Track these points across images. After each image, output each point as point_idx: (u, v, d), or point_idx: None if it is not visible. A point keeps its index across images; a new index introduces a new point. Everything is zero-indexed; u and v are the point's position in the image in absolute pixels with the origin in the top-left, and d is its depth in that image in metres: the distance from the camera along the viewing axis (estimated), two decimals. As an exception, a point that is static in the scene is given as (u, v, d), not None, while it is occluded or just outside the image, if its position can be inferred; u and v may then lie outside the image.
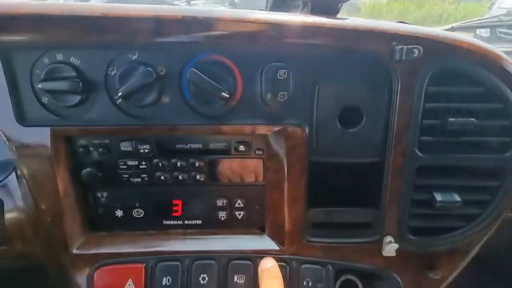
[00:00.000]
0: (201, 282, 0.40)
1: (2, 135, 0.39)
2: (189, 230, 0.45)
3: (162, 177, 0.42)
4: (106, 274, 0.41)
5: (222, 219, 0.45)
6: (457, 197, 0.39)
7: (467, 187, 0.40)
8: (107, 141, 0.40)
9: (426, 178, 0.40)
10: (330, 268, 0.42)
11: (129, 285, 0.40)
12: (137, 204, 0.44)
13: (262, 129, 0.38)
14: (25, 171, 0.40)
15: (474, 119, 0.36)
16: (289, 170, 0.39)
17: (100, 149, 0.40)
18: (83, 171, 0.40)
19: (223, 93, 0.35)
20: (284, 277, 0.41)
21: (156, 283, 0.40)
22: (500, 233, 0.44)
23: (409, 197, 0.40)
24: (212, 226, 0.45)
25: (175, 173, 0.42)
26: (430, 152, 0.39)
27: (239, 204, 0.45)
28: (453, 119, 0.36)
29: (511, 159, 0.39)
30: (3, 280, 0.47)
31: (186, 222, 0.45)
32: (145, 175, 0.42)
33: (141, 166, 0.42)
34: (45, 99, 0.37)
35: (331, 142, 0.38)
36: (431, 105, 0.37)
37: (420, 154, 0.38)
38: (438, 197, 0.39)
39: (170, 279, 0.40)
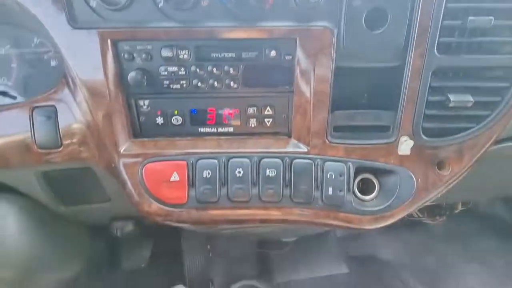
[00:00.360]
0: (237, 175, 0.46)
1: (54, 38, 0.43)
2: (223, 137, 0.50)
3: (199, 84, 0.46)
4: (153, 169, 0.46)
5: (253, 126, 0.50)
6: (469, 97, 0.43)
7: (478, 89, 0.44)
8: (149, 47, 0.44)
9: (441, 80, 0.44)
10: (351, 165, 0.47)
11: (175, 176, 0.46)
12: (176, 112, 0.49)
13: (293, 31, 0.42)
14: (76, 74, 0.44)
15: (492, 17, 0.39)
16: (316, 71, 0.43)
17: (143, 55, 0.44)
18: (129, 73, 0.43)
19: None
20: (310, 172, 0.46)
21: (198, 175, 0.46)
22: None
23: (425, 98, 0.44)
24: (243, 133, 0.50)
25: (211, 80, 0.46)
26: (448, 53, 0.42)
27: (268, 111, 0.49)
28: (473, 17, 0.39)
29: (522, 60, 0.42)
30: (56, 180, 0.53)
31: (219, 129, 0.50)
32: (184, 82, 0.46)
33: (180, 72, 0.46)
34: (93, 3, 0.40)
35: (357, 44, 0.42)
36: (452, 5, 0.40)
37: (438, 55, 0.42)
38: (452, 97, 0.43)
39: (209, 172, 0.46)
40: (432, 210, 1.33)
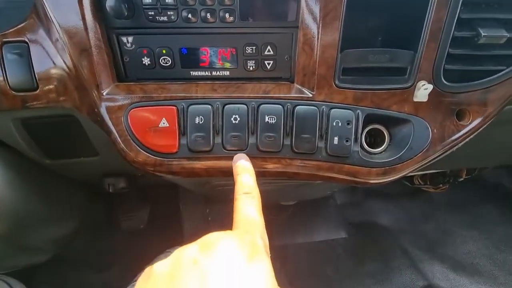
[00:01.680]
0: (233, 121, 0.41)
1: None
2: (218, 82, 0.45)
3: (190, 16, 0.40)
4: (140, 114, 0.42)
5: (251, 68, 0.44)
6: (504, 32, 0.37)
7: (515, 22, 0.38)
8: (129, -34, 0.37)
9: (472, 11, 0.37)
10: (360, 112, 0.42)
11: (163, 123, 0.42)
12: (164, 51, 0.43)
13: None
14: (47, 6, 0.38)
15: None
16: (326, 1, 0.37)
17: (122, -23, 0.38)
18: (107, 1, 0.37)
19: None
20: (315, 119, 0.42)
21: (189, 122, 0.41)
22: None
23: (450, 34, 0.38)
24: (240, 77, 0.45)
25: (203, 12, 0.40)
26: (484, -26, 0.35)
27: (268, 51, 0.43)
28: None
29: None
30: (37, 130, 0.49)
31: (214, 73, 0.45)
32: (171, 13, 0.40)
33: (167, 0, 0.39)
34: None
35: (376, -38, 0.35)
36: None
37: (473, -24, 0.35)
38: (483, 31, 0.37)
39: (202, 118, 0.41)
40: (436, 178, 1.31)
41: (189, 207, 1.11)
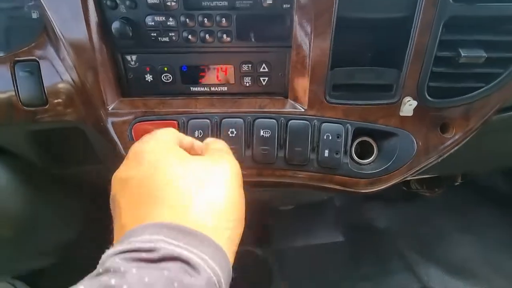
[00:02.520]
0: (230, 135, 0.44)
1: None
2: (216, 97, 0.47)
3: (189, 37, 0.43)
4: (143, 128, 0.45)
5: (247, 85, 0.47)
6: (482, 52, 0.40)
7: (492, 43, 0.40)
8: (133, -7, 0.40)
9: (452, 33, 0.40)
10: (349, 126, 0.45)
11: (165, 136, 0.44)
12: (166, 69, 0.46)
13: (291, -25, 0.38)
14: (57, 25, 0.41)
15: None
16: (316, 22, 0.39)
17: (127, 2, 0.40)
18: (113, 23, 0.40)
19: None
20: (307, 133, 0.44)
21: (189, 135, 0.44)
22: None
23: (433, 54, 0.41)
24: (237, 92, 0.48)
25: (202, 33, 0.43)
26: (462, 0, 0.38)
27: (263, 68, 0.46)
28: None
29: (545, 10, 0.38)
30: (46, 141, 0.52)
31: (212, 89, 0.48)
32: (173, 34, 0.43)
33: (168, 23, 0.42)
34: None
35: (361, -11, 0.38)
36: None
37: (452, 2, 0.38)
38: (463, 51, 0.40)
39: (201, 132, 0.44)
40: (431, 182, 1.33)
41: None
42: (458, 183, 1.33)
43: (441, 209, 1.37)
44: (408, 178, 0.50)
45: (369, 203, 1.36)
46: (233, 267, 0.27)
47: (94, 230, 0.99)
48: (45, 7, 0.40)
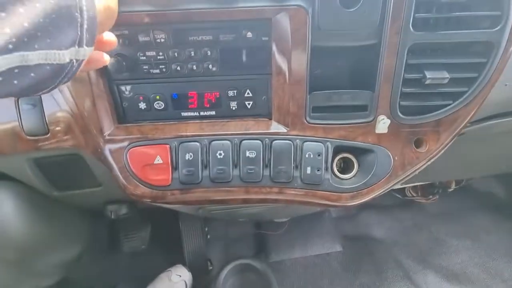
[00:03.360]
0: (218, 156, 0.47)
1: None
2: (205, 121, 0.51)
3: (178, 68, 0.47)
4: (137, 152, 0.48)
5: (233, 108, 0.51)
6: (445, 74, 0.44)
7: (455, 65, 0.44)
8: (126, 32, 0.44)
9: (417, 57, 0.44)
10: (329, 144, 0.48)
11: (158, 160, 0.48)
12: (158, 97, 0.50)
13: (268, 12, 0.42)
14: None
15: (466, -9, 0.39)
16: (293, 52, 0.43)
17: (121, 40, 0.45)
18: (109, 59, 0.44)
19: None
20: (290, 152, 0.48)
21: (181, 158, 0.47)
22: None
23: (401, 76, 0.45)
24: (224, 115, 0.51)
25: (190, 64, 0.47)
26: (424, 29, 0.42)
27: (248, 94, 0.50)
28: (447, -8, 0.39)
29: (499, 34, 0.42)
30: (48, 167, 0.55)
31: (201, 113, 0.51)
32: (163, 66, 0.47)
33: (158, 57, 0.46)
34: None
35: (332, 22, 0.42)
36: (426, -19, 0.39)
37: (413, 31, 0.42)
38: (428, 74, 0.44)
39: (192, 154, 0.47)
40: (426, 189, 1.35)
41: (188, 226, 1.16)
42: (452, 189, 1.35)
43: (437, 215, 1.38)
44: (397, 187, 0.52)
45: (365, 212, 1.38)
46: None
47: (92, 248, 1.01)
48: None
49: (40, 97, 0.49)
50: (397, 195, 1.37)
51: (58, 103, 0.49)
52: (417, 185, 1.33)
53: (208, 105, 0.51)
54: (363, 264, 1.16)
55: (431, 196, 1.32)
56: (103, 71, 0.47)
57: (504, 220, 1.30)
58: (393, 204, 1.41)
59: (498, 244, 1.22)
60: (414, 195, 1.36)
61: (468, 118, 0.48)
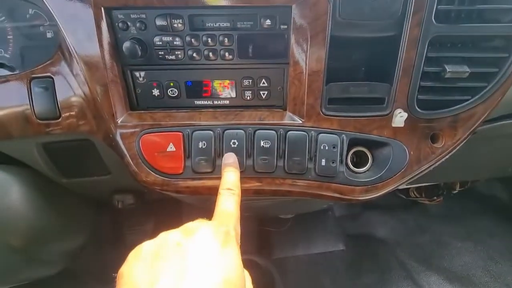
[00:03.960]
0: (232, 146, 0.47)
1: (49, 8, 0.42)
2: (218, 110, 0.50)
3: (194, 55, 0.46)
4: (150, 140, 0.47)
5: (248, 98, 0.50)
6: (466, 68, 0.43)
7: (476, 59, 0.44)
8: (143, 16, 0.44)
9: (437, 50, 0.43)
10: (344, 137, 0.47)
11: (171, 147, 0.47)
12: (171, 84, 0.49)
13: (288, -1, 0.41)
14: (71, 45, 0.44)
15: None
16: (311, 41, 0.43)
17: (138, 24, 0.44)
18: (124, 43, 0.43)
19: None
20: (304, 143, 0.47)
21: (194, 146, 0.47)
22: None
23: (420, 70, 0.44)
24: (238, 105, 0.50)
25: (206, 51, 0.46)
26: (446, 21, 0.41)
27: (263, 83, 0.49)
28: (472, -17, 0.38)
29: (522, 29, 0.41)
30: (57, 153, 0.55)
31: (215, 102, 0.51)
32: (179, 52, 0.46)
33: (175, 43, 0.45)
34: (85, -31, 0.40)
35: (353, 12, 0.41)
36: (452, -29, 0.39)
37: (436, 24, 0.41)
38: (448, 67, 0.43)
39: (205, 143, 0.47)
40: (430, 190, 1.35)
41: (192, 220, 1.15)
42: (456, 191, 1.35)
43: (441, 217, 1.38)
44: (403, 186, 0.52)
45: (368, 212, 1.38)
46: None
47: (95, 239, 1.00)
48: (62, 29, 0.43)
49: (53, 80, 0.48)
50: (401, 195, 1.36)
51: (72, 87, 0.48)
52: (421, 186, 1.32)
53: (222, 94, 0.50)
54: (366, 263, 1.15)
55: (435, 198, 1.32)
56: (118, 56, 0.46)
57: (508, 223, 1.29)
58: (397, 204, 1.40)
59: (502, 247, 1.21)
60: (418, 196, 1.35)
61: (486, 114, 0.47)
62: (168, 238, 0.30)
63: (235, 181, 0.41)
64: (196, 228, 0.31)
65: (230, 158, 0.45)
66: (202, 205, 0.83)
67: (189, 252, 0.28)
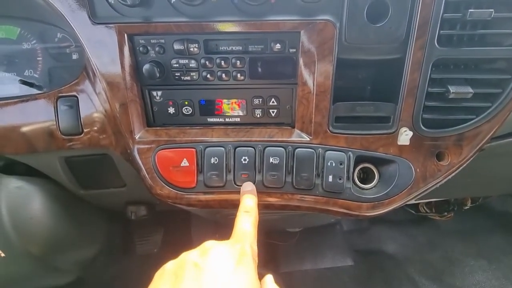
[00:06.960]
0: (243, 162, 0.49)
1: (76, 33, 0.46)
2: (230, 127, 0.53)
3: (208, 76, 0.49)
4: (165, 155, 0.50)
5: (258, 116, 0.52)
6: (469, 89, 0.44)
7: (479, 80, 0.45)
8: (162, 41, 0.47)
9: (441, 72, 0.45)
10: (351, 154, 0.49)
11: (184, 162, 0.49)
12: (186, 103, 0.52)
13: (297, 25, 0.44)
14: (96, 67, 0.48)
15: (493, 10, 0.40)
16: (319, 64, 0.45)
17: (157, 48, 0.47)
18: (144, 66, 0.47)
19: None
20: (312, 160, 0.49)
21: (206, 161, 0.49)
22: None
23: (425, 90, 0.46)
24: (249, 123, 0.53)
25: (219, 73, 0.49)
26: (448, 45, 0.43)
27: (273, 102, 0.52)
28: (473, 10, 0.40)
29: (523, 52, 0.43)
30: (77, 166, 0.58)
31: (227, 120, 0.53)
32: (194, 74, 0.49)
33: (190, 65, 0.49)
34: (112, 0, 0.44)
35: (358, 37, 0.43)
36: (452, -1, 0.41)
37: (438, 47, 0.43)
38: (452, 88, 0.44)
39: (217, 159, 0.49)
40: (440, 205, 1.33)
41: (200, 232, 1.16)
42: (468, 207, 1.32)
43: (452, 233, 1.35)
44: (411, 202, 0.52)
45: (377, 227, 1.36)
46: None
47: (107, 249, 1.03)
48: (88, 53, 0.47)
49: (77, 98, 0.52)
50: (411, 210, 1.34)
51: (94, 105, 0.52)
52: (431, 201, 1.31)
53: (233, 112, 0.53)
54: (375, 279, 1.13)
55: (446, 213, 1.30)
56: (138, 77, 0.50)
57: (522, 241, 1.26)
58: (406, 219, 1.38)
59: (516, 266, 1.18)
60: (428, 211, 1.33)
61: (491, 133, 0.48)
62: (186, 259, 0.32)
63: (253, 206, 0.43)
64: (211, 247, 0.33)
65: (248, 186, 0.48)
66: (211, 217, 0.85)
67: (205, 272, 0.30)
